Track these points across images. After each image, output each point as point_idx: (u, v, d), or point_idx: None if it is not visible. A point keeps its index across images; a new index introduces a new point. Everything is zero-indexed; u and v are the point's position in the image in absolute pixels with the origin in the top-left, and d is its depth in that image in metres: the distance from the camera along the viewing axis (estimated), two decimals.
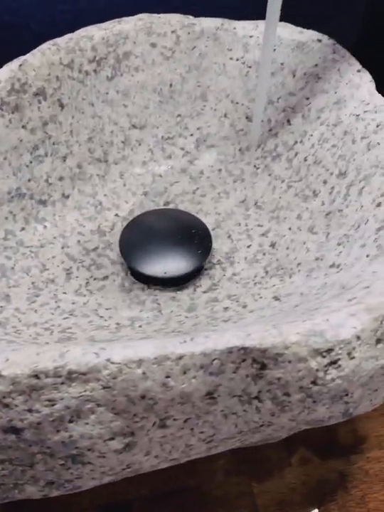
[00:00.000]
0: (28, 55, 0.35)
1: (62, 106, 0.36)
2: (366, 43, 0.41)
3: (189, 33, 0.38)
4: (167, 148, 0.40)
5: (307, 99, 0.37)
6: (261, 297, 0.32)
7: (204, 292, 0.34)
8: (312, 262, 0.32)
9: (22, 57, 0.35)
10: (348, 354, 0.23)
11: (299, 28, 0.38)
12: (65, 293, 0.33)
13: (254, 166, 0.39)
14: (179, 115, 0.40)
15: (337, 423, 0.26)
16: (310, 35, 0.37)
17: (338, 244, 0.31)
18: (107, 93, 0.38)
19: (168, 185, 0.39)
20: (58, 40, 0.36)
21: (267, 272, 0.34)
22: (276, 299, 0.31)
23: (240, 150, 0.39)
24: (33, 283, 0.33)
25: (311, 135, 0.36)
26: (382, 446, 0.34)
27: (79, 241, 0.36)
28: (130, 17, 0.38)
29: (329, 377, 0.23)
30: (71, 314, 0.32)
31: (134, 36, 0.38)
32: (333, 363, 0.23)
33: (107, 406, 0.22)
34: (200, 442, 0.25)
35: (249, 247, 0.36)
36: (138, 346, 0.22)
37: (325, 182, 0.34)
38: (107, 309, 0.32)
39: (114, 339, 0.29)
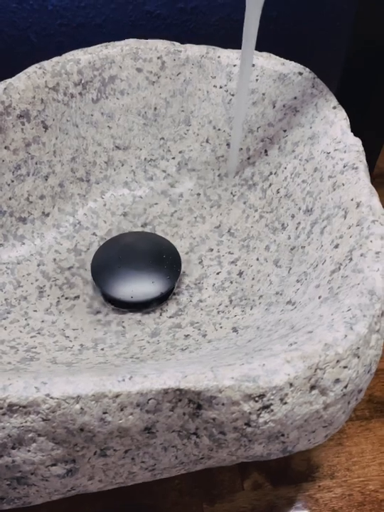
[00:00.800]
0: (13, 78, 0.36)
1: (46, 127, 0.37)
2: (349, 74, 0.41)
3: (175, 60, 0.39)
4: (149, 170, 0.41)
5: (284, 131, 0.37)
6: (221, 327, 0.33)
7: (169, 317, 0.35)
8: (273, 295, 0.33)
9: (7, 81, 0.36)
10: (281, 399, 0.24)
11: (282, 60, 0.38)
12: (35, 311, 0.35)
13: (231, 193, 0.39)
14: (162, 138, 0.41)
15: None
16: (292, 67, 0.38)
17: (297, 281, 0.32)
18: (92, 115, 0.39)
19: (147, 207, 0.40)
20: (45, 63, 0.37)
21: (231, 301, 0.35)
22: (234, 330, 0.32)
23: (219, 176, 0.40)
24: (6, 299, 0.35)
25: (285, 168, 0.36)
26: (334, 476, 0.34)
27: (55, 259, 0.37)
28: (118, 42, 0.39)
29: (262, 420, 0.24)
30: (39, 333, 0.33)
31: (120, 61, 0.39)
32: (266, 407, 0.24)
33: (47, 436, 0.24)
34: (142, 470, 0.27)
35: (218, 274, 0.37)
36: (78, 382, 0.23)
37: (293, 216, 0.35)
38: (73, 329, 0.34)
39: (75, 362, 0.31)
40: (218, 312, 0.34)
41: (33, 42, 0.50)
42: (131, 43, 0.39)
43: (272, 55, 0.39)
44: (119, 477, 0.27)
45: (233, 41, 0.41)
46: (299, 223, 0.34)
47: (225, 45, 0.40)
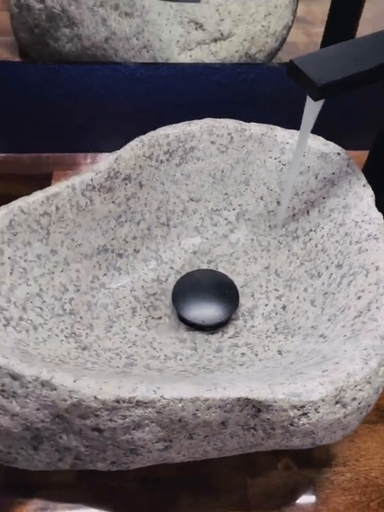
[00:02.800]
0: (121, 150, 0.48)
1: (141, 186, 0.49)
2: (376, 156, 0.52)
3: (241, 136, 0.50)
4: (214, 218, 0.52)
5: (323, 198, 0.48)
6: (269, 349, 0.44)
7: (229, 338, 0.46)
8: (309, 328, 0.44)
9: (117, 152, 0.47)
10: (315, 410, 0.35)
11: (325, 141, 0.49)
12: (130, 326, 0.47)
13: (278, 241, 0.51)
14: (226, 193, 0.52)
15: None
16: (332, 147, 0.49)
17: (328, 319, 0.43)
18: (175, 175, 0.51)
19: (212, 247, 0.52)
20: (144, 137, 0.49)
21: (276, 329, 0.46)
22: (279, 352, 0.44)
23: (269, 226, 0.52)
24: (108, 317, 0.47)
25: (322, 228, 0.47)
26: (346, 464, 0.46)
27: (143, 286, 0.49)
28: (198, 120, 0.50)
29: (301, 422, 0.36)
30: (134, 344, 0.45)
31: (199, 135, 0.50)
32: (305, 414, 0.35)
33: (157, 423, 0.35)
34: (213, 450, 0.38)
35: (266, 305, 0.48)
36: (181, 389, 0.35)
37: (327, 268, 0.46)
38: (158, 343, 0.46)
39: (163, 369, 0.43)
40: (266, 337, 0.46)
41: (120, 103, 0.62)
42: (208, 122, 0.50)
43: (317, 136, 0.50)
44: (196, 454, 0.39)
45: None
46: (331, 274, 0.45)
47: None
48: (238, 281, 0.50)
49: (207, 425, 0.36)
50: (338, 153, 0.48)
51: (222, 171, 0.51)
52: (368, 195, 0.46)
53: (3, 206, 0.43)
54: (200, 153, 0.51)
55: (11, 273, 0.43)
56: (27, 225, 0.43)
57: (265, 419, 0.36)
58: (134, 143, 0.48)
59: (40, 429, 0.36)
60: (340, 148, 0.49)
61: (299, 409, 0.35)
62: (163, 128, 0.50)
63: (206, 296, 0.47)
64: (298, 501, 0.44)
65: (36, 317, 0.43)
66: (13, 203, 0.43)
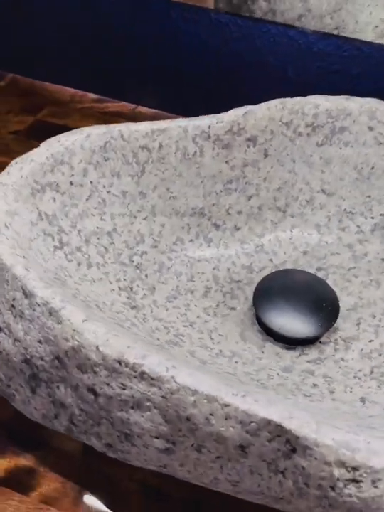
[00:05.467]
0: (256, 106, 0.40)
1: (266, 155, 0.41)
2: None
3: None
4: (344, 221, 0.42)
5: None
6: (351, 392, 0.33)
7: (307, 361, 0.36)
8: None
9: (249, 107, 0.40)
10: (372, 481, 0.24)
11: None
12: (196, 306, 0.39)
13: None
14: (369, 196, 0.42)
15: None
16: None
17: None
18: (311, 156, 0.42)
19: (328, 254, 0.42)
20: (287, 100, 0.41)
21: (371, 372, 0.35)
22: (362, 400, 0.32)
23: None
24: (177, 286, 0.39)
25: None
26: None
27: (229, 269, 0.41)
28: (360, 98, 0.41)
29: (347, 491, 0.25)
30: (191, 325, 0.37)
31: (356, 115, 0.41)
32: (355, 481, 0.24)
33: (160, 411, 0.27)
34: (226, 482, 0.29)
35: (370, 341, 0.37)
36: (200, 379, 0.26)
37: None
38: (219, 335, 0.37)
39: (209, 362, 0.34)
40: (354, 377, 0.34)
41: (288, 76, 0.55)
42: (371, 102, 0.40)
43: None
44: (205, 477, 0.29)
45: None
46: None
47: None
48: (346, 302, 0.39)
49: (221, 442, 0.27)
50: None
51: (373, 168, 0.41)
52: None
53: (103, 125, 0.38)
54: (350, 138, 0.41)
55: (87, 199, 0.38)
56: (122, 154, 0.38)
57: (299, 465, 0.25)
58: (274, 103, 0.40)
59: (39, 369, 0.30)
60: None
61: (348, 471, 0.24)
62: (314, 96, 0.41)
63: (297, 303, 0.37)
64: None
65: (96, 255, 0.37)
66: (114, 125, 0.38)
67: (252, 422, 0.25)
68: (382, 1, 0.52)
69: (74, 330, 0.28)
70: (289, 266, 0.41)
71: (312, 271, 0.41)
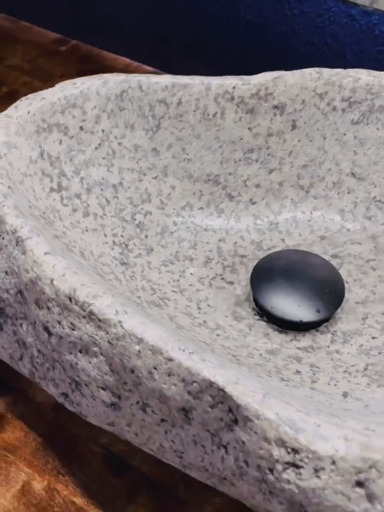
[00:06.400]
0: (289, 72, 0.37)
1: (294, 126, 0.38)
2: None
3: None
4: (372, 209, 0.38)
5: None
6: (336, 385, 0.30)
7: (297, 347, 0.33)
8: None
9: (282, 72, 0.37)
10: (315, 470, 0.21)
11: None
12: (191, 274, 0.36)
13: None
14: None
15: None
16: None
17: None
18: (345, 134, 0.38)
19: (348, 243, 0.38)
20: (325, 70, 0.38)
21: (365, 369, 0.31)
22: (345, 395, 0.29)
23: None
24: (176, 252, 0.37)
25: None
26: None
27: (236, 242, 0.38)
28: None
29: (286, 476, 0.21)
30: (181, 291, 0.35)
31: None
32: (295, 466, 0.21)
33: (107, 359, 0.25)
34: (171, 450, 0.26)
35: (373, 338, 0.33)
36: (149, 329, 0.24)
37: None
38: (209, 306, 0.34)
39: (187, 330, 0.32)
40: (345, 371, 0.31)
41: (346, 59, 0.51)
42: None
43: None
44: (151, 443, 0.27)
45: None
46: None
47: None
48: (357, 294, 0.35)
49: (164, 401, 0.24)
50: None
51: None
52: None
53: (122, 74, 0.37)
54: None
55: (96, 148, 0.36)
56: (138, 105, 0.37)
57: (240, 440, 0.22)
58: (309, 70, 0.37)
59: (5, 303, 0.29)
60: None
61: (288, 453, 0.21)
62: (356, 70, 0.38)
63: (297, 285, 0.34)
64: None
65: (96, 206, 0.36)
66: (134, 74, 0.37)
67: (194, 381, 0.23)
68: None
69: (34, 261, 0.26)
70: (301, 248, 0.38)
71: (326, 257, 0.37)
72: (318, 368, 0.31)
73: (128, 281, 0.34)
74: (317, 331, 0.34)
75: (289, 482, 0.21)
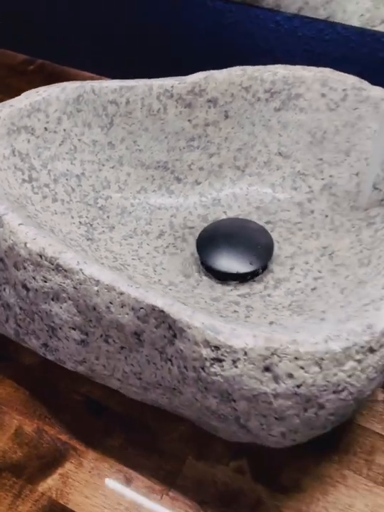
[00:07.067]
0: (217, 71, 0.45)
1: (227, 116, 0.45)
2: None
3: (356, 95, 0.43)
4: (297, 182, 0.45)
5: None
6: (265, 318, 0.36)
7: (237, 295, 0.39)
8: (319, 312, 0.35)
9: (211, 71, 0.44)
10: (233, 361, 0.27)
11: None
12: (148, 245, 0.43)
13: (352, 225, 0.41)
14: (320, 159, 0.45)
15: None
16: None
17: (341, 306, 0.33)
18: (270, 120, 0.45)
19: (279, 210, 0.45)
20: (248, 67, 0.45)
21: (290, 305, 0.38)
22: (270, 323, 0.35)
23: (351, 206, 0.43)
24: (135, 228, 0.44)
25: None
26: (310, 505, 0.35)
27: (185, 217, 0.45)
28: (315, 67, 0.44)
29: (213, 370, 0.28)
30: (139, 259, 0.42)
31: (309, 83, 0.44)
32: (219, 360, 0.28)
33: (74, 302, 0.32)
34: (132, 375, 0.33)
35: (298, 282, 0.40)
36: (103, 273, 0.30)
37: (379, 257, 0.36)
38: (163, 268, 0.41)
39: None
40: (274, 308, 0.38)
41: (278, 59, 0.59)
42: (325, 71, 0.44)
43: None
44: (117, 372, 0.33)
45: None
46: (379, 264, 0.35)
47: None
48: (286, 250, 0.42)
49: (120, 329, 0.31)
50: None
51: (325, 132, 0.44)
52: None
53: (77, 81, 0.44)
54: (305, 104, 0.44)
55: (60, 144, 0.43)
56: (93, 107, 0.44)
57: (179, 349, 0.29)
58: (235, 68, 0.45)
59: None
60: None
61: (212, 350, 0.28)
62: (275, 66, 0.45)
63: (235, 245, 0.41)
64: (227, 509, 0.35)
65: (63, 193, 0.43)
66: (87, 81, 0.44)
67: (141, 308, 0.29)
68: None
69: (10, 231, 0.33)
70: (241, 218, 0.45)
71: (261, 223, 0.44)
72: (252, 307, 0.38)
73: (93, 252, 0.40)
74: (254, 280, 0.40)
75: (216, 374, 0.28)
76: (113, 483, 0.37)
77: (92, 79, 0.70)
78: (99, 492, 0.36)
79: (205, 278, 0.41)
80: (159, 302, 0.29)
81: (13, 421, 0.40)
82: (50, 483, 0.37)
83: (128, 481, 0.37)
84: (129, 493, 0.36)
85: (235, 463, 0.37)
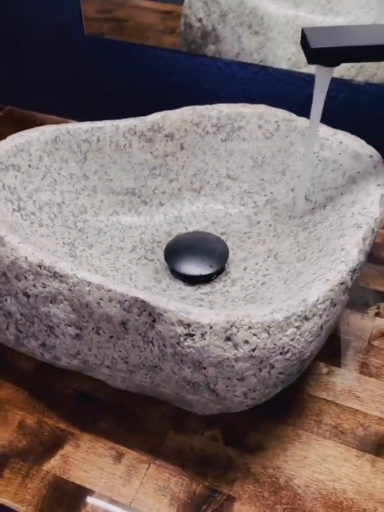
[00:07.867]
0: (171, 111, 0.53)
1: (182, 148, 0.54)
2: None
3: (287, 125, 0.52)
4: (244, 199, 0.54)
5: (342, 194, 0.47)
6: (225, 309, 0.44)
7: (201, 293, 0.47)
8: (267, 299, 0.43)
9: (167, 112, 0.53)
10: (201, 335, 0.35)
11: (364, 143, 0.48)
12: (123, 258, 0.51)
13: (290, 230, 0.50)
14: (262, 179, 0.54)
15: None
16: (368, 150, 0.48)
17: (285, 292, 0.42)
18: (218, 149, 0.54)
19: (231, 223, 0.53)
20: (197, 107, 0.54)
21: (244, 297, 0.46)
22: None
23: (289, 216, 0.52)
24: (110, 245, 0.52)
25: (328, 220, 0.46)
26: (273, 460, 0.42)
27: (152, 233, 0.53)
28: (253, 105, 0.54)
29: (187, 344, 0.36)
30: (116, 270, 0.49)
31: (248, 117, 0.53)
32: (190, 335, 0.35)
33: (69, 302, 0.39)
34: (120, 361, 0.40)
35: (250, 279, 0.48)
36: (93, 277, 0.38)
37: (312, 252, 0.45)
38: (137, 276, 0.49)
39: None
40: (232, 301, 0.46)
41: (221, 99, 0.68)
42: (260, 108, 0.53)
43: (358, 138, 0.49)
44: (107, 360, 0.41)
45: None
46: (312, 258, 0.44)
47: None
48: (239, 255, 0.50)
49: (109, 321, 0.38)
50: (371, 156, 0.47)
51: (264, 157, 0.54)
52: (377, 193, 0.44)
53: (54, 125, 0.52)
54: (246, 135, 0.54)
55: (42, 178, 0.51)
56: (69, 145, 0.51)
57: (158, 331, 0.37)
58: (186, 108, 0.54)
59: None
60: (375, 151, 0.48)
61: (185, 327, 0.35)
62: (219, 105, 0.54)
63: (196, 252, 0.49)
64: (204, 470, 0.42)
65: (47, 219, 0.50)
66: (63, 124, 0.52)
67: (126, 300, 0.37)
68: (293, 39, 0.66)
69: (12, 248, 0.40)
70: (199, 231, 0.53)
71: (217, 234, 0.53)
72: (214, 302, 0.46)
73: (78, 265, 0.47)
74: (214, 281, 0.48)
75: (189, 347, 0.36)
76: (107, 459, 0.43)
77: (58, 122, 0.78)
78: (96, 466, 0.43)
79: (173, 282, 0.49)
80: (141, 294, 0.37)
81: (16, 416, 0.46)
82: (53, 464, 0.43)
83: (119, 456, 0.43)
84: (121, 466, 0.43)
85: (209, 432, 0.44)
